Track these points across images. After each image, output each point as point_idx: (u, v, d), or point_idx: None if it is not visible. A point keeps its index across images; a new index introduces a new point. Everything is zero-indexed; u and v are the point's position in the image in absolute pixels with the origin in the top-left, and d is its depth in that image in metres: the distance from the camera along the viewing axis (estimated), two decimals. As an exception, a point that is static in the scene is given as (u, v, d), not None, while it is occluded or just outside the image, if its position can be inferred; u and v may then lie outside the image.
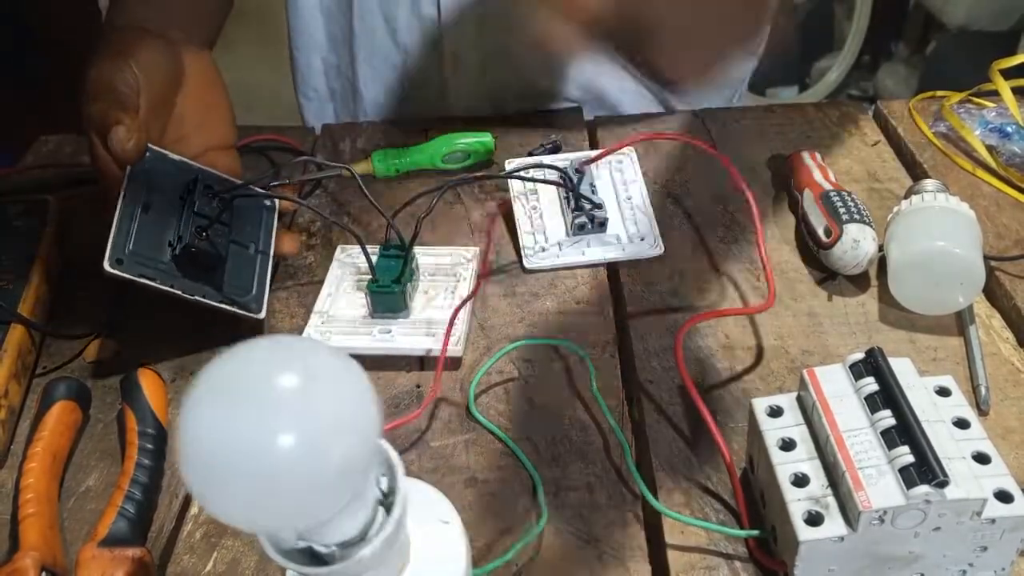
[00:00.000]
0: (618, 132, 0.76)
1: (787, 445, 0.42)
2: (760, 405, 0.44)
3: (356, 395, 0.29)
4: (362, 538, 0.32)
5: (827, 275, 0.60)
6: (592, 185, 0.65)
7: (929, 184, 0.60)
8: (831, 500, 0.40)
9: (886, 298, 0.58)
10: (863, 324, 0.57)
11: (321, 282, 0.61)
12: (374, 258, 0.58)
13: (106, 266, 0.48)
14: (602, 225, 0.63)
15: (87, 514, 0.48)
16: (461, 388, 0.54)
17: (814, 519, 0.39)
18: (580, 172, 0.64)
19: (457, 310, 0.55)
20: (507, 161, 0.69)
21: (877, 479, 0.38)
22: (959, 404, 0.42)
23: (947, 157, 0.71)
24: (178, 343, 0.58)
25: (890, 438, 0.39)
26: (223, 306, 0.53)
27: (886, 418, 0.40)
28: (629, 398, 0.53)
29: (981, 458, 0.40)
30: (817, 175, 0.64)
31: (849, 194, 0.61)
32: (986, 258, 0.57)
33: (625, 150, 0.69)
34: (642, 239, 0.63)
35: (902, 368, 0.42)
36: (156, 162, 0.54)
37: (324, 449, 0.27)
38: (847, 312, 0.58)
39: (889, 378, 0.41)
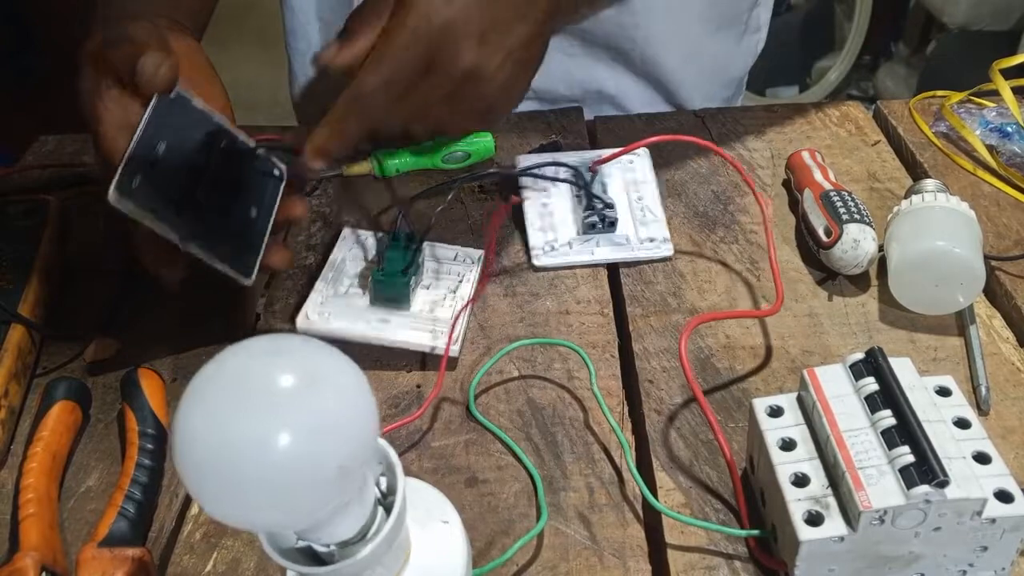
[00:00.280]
0: (618, 132, 0.76)
1: (787, 445, 0.42)
2: (760, 405, 0.44)
3: (353, 394, 0.29)
4: (361, 538, 0.32)
5: (827, 275, 0.60)
6: (603, 185, 0.65)
7: (929, 184, 0.60)
8: (831, 500, 0.40)
9: (886, 298, 0.58)
10: (863, 324, 0.57)
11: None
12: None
13: (110, 196, 0.46)
14: (612, 225, 0.63)
15: (87, 514, 0.48)
16: (461, 388, 0.54)
17: (814, 519, 0.39)
18: (592, 172, 0.64)
19: (462, 309, 0.55)
20: (519, 157, 0.69)
21: (877, 479, 0.38)
22: (959, 404, 0.42)
23: (947, 157, 0.71)
24: (178, 343, 0.58)
25: (890, 438, 0.39)
26: (215, 263, 0.52)
27: (886, 418, 0.40)
28: (629, 398, 0.53)
29: (981, 458, 0.40)
30: (817, 175, 0.64)
31: (849, 194, 0.61)
32: (986, 258, 0.57)
33: (638, 151, 0.69)
34: (652, 240, 0.63)
35: (902, 368, 0.42)
36: (179, 105, 0.53)
37: (321, 448, 0.27)
38: (847, 312, 0.58)
39: (889, 378, 0.41)
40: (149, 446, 0.49)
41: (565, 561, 0.44)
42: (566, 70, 0.83)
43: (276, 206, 0.58)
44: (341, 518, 0.31)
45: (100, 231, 0.66)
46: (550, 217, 0.65)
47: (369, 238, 0.62)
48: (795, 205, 0.66)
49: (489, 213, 0.67)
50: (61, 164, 0.76)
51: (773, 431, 0.43)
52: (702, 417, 0.51)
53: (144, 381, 0.52)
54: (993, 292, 0.59)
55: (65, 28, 0.56)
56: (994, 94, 0.73)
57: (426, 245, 0.60)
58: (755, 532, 0.43)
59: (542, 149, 0.73)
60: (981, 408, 0.50)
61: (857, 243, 0.57)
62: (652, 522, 0.46)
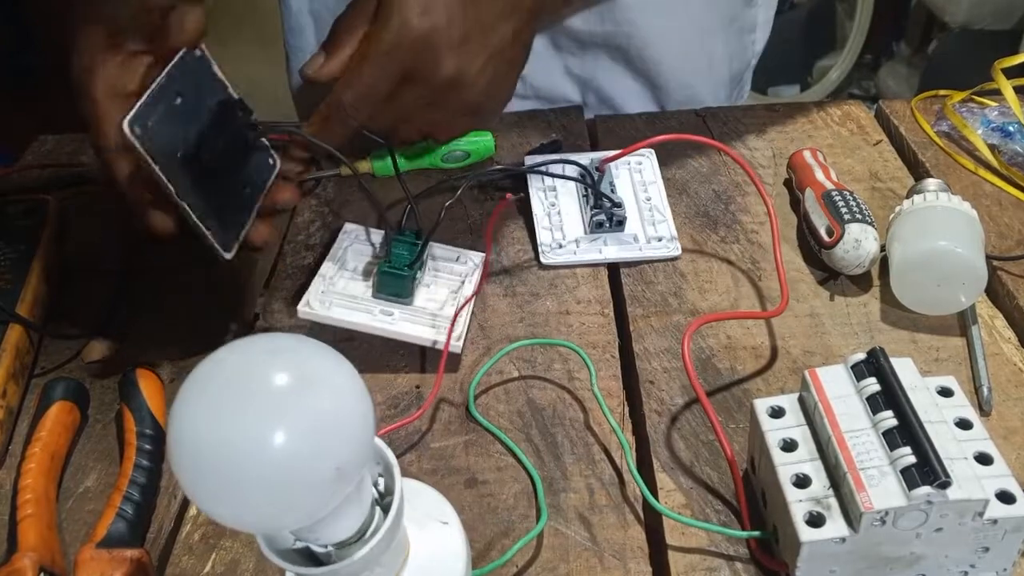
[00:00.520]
0: (618, 132, 0.76)
1: (789, 446, 0.42)
2: (762, 406, 0.44)
3: (350, 394, 0.28)
4: (359, 539, 0.32)
5: (829, 275, 0.60)
6: (612, 184, 0.65)
7: (931, 184, 0.60)
8: (833, 501, 0.39)
9: (888, 298, 0.57)
10: (865, 324, 0.56)
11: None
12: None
13: (125, 124, 0.47)
14: (620, 224, 0.63)
15: (85, 515, 0.48)
16: (461, 388, 0.54)
17: (816, 520, 0.39)
18: (600, 171, 0.64)
19: (464, 304, 0.56)
20: (527, 157, 0.69)
21: (879, 480, 0.38)
22: (961, 405, 0.42)
23: (949, 156, 0.70)
24: (176, 344, 0.58)
25: (892, 439, 0.39)
26: (200, 228, 0.52)
27: (888, 419, 0.40)
28: (629, 399, 0.53)
29: (983, 459, 0.39)
30: (819, 174, 0.64)
31: (851, 193, 0.60)
32: (988, 258, 0.57)
33: (644, 151, 0.69)
34: (659, 240, 0.63)
35: (904, 368, 0.42)
36: (201, 66, 0.53)
37: (318, 449, 0.27)
38: (849, 312, 0.57)
39: (891, 378, 0.41)
40: (147, 447, 0.49)
41: (565, 562, 0.44)
42: (565, 69, 0.83)
43: (265, 191, 0.58)
44: (339, 519, 0.31)
45: (99, 230, 0.66)
46: (558, 216, 0.65)
47: (371, 234, 0.62)
48: (796, 204, 0.66)
49: (488, 213, 0.67)
50: (60, 164, 0.76)
51: (774, 432, 0.43)
52: (703, 418, 0.51)
53: (142, 381, 0.51)
54: (995, 292, 0.59)
55: (65, 28, 0.56)
56: (996, 93, 0.73)
57: (429, 246, 0.60)
58: (756, 533, 0.43)
59: (542, 149, 0.73)
60: (983, 409, 0.50)
61: (859, 243, 0.57)
62: (653, 523, 0.46)
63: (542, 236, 0.64)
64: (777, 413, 0.44)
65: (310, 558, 0.32)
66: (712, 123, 0.76)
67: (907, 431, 0.39)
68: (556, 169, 0.65)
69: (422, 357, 0.56)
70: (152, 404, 0.51)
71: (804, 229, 0.62)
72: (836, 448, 0.40)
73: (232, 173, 0.54)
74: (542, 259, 0.62)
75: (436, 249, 0.61)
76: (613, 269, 0.62)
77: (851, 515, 0.38)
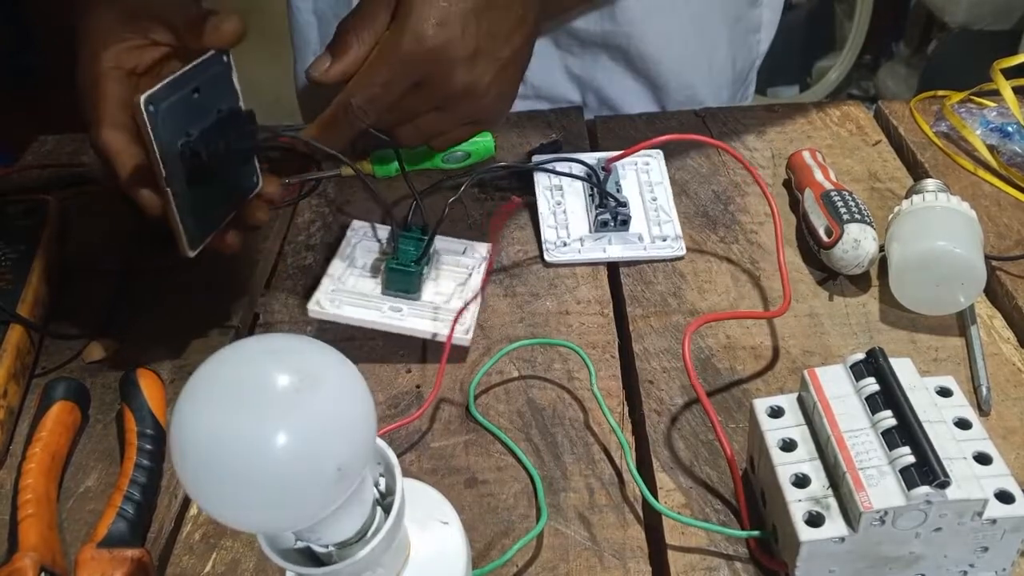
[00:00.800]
0: (618, 132, 0.76)
1: (788, 446, 0.42)
2: (761, 405, 0.44)
3: (352, 395, 0.29)
4: (360, 538, 0.32)
5: (828, 275, 0.60)
6: (617, 184, 0.65)
7: (930, 184, 0.60)
8: (832, 501, 0.39)
9: (887, 298, 0.58)
10: (864, 324, 0.56)
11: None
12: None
13: (142, 99, 0.47)
14: (624, 223, 0.63)
15: (86, 515, 0.48)
16: (461, 388, 0.54)
17: (815, 520, 0.39)
18: (606, 170, 0.65)
19: (473, 298, 0.56)
20: (534, 157, 0.69)
21: (878, 480, 0.38)
22: (960, 404, 0.42)
23: (948, 157, 0.71)
24: (177, 343, 0.58)
25: (891, 438, 0.39)
26: (174, 216, 0.52)
27: (887, 418, 0.40)
28: (629, 399, 0.53)
29: (982, 458, 0.40)
30: (818, 174, 0.64)
31: (850, 194, 0.61)
32: (987, 258, 0.57)
33: (653, 152, 0.69)
34: (664, 239, 0.63)
35: (903, 368, 0.42)
36: (223, 71, 0.54)
37: (320, 449, 0.27)
38: (848, 312, 0.57)
39: (890, 378, 0.41)
40: (148, 446, 0.49)
41: (565, 562, 0.44)
42: (565, 69, 0.83)
43: (242, 204, 0.58)
44: (340, 519, 0.31)
45: (100, 231, 0.66)
46: (563, 214, 0.65)
47: (378, 231, 0.62)
48: (796, 205, 0.66)
49: (489, 213, 0.67)
50: (60, 164, 0.76)
51: (774, 432, 0.43)
52: (702, 417, 0.51)
53: (143, 381, 0.51)
54: (994, 292, 0.59)
55: (65, 28, 0.56)
56: (995, 94, 0.73)
57: (436, 238, 0.60)
58: (756, 533, 0.43)
59: (542, 149, 0.73)
60: (982, 408, 0.50)
61: (858, 243, 0.57)
62: (652, 523, 0.46)
63: (547, 234, 0.64)
64: (776, 413, 0.44)
65: (311, 558, 0.32)
66: (711, 123, 0.76)
67: (906, 431, 0.39)
68: (562, 168, 0.65)
69: (423, 355, 0.56)
70: (153, 404, 0.51)
71: (803, 229, 0.62)
72: (835, 448, 0.40)
73: (220, 178, 0.55)
74: (546, 257, 0.62)
75: (442, 242, 0.61)
76: (613, 269, 0.62)
77: (850, 515, 0.38)
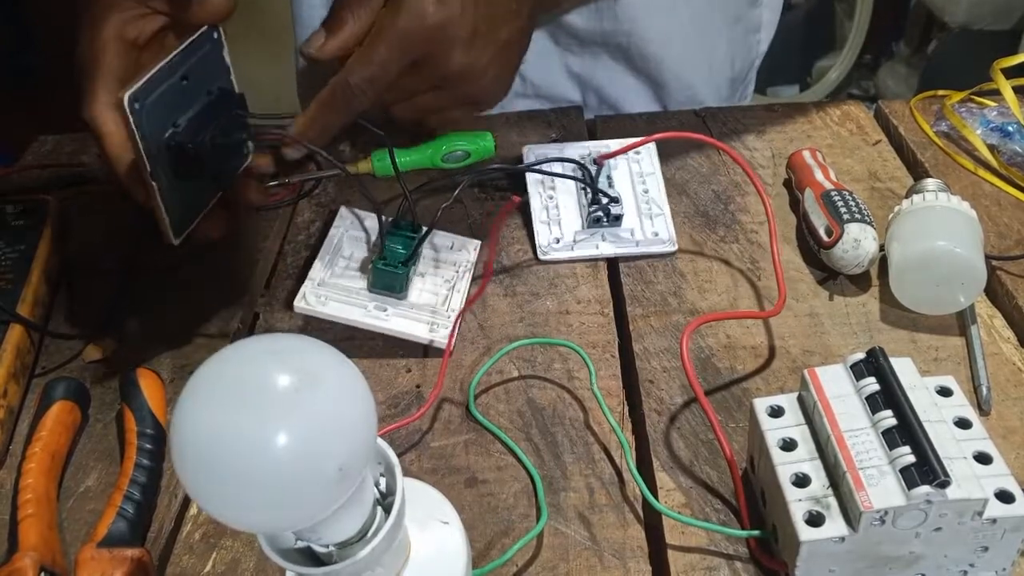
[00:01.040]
0: (618, 131, 0.75)
1: (788, 445, 0.42)
2: (761, 405, 0.44)
3: (353, 395, 0.28)
4: (361, 538, 0.32)
5: (828, 275, 0.60)
6: (609, 178, 0.65)
7: (930, 183, 0.60)
8: (832, 500, 0.39)
9: (887, 298, 0.58)
10: (864, 324, 0.56)
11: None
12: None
13: (125, 97, 0.47)
14: (617, 219, 0.63)
15: (86, 514, 0.48)
16: (461, 388, 0.54)
17: (815, 519, 0.39)
18: (598, 164, 0.64)
19: (467, 307, 0.56)
20: (525, 148, 0.69)
21: (878, 479, 0.38)
22: (960, 404, 0.42)
23: (948, 156, 0.70)
24: (177, 343, 0.58)
25: (891, 438, 0.39)
26: (158, 207, 0.52)
27: (887, 418, 0.40)
28: (629, 398, 0.53)
29: (982, 458, 0.40)
30: (818, 174, 0.64)
31: (850, 193, 0.61)
32: (987, 258, 0.57)
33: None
34: (656, 235, 0.63)
35: (903, 368, 0.42)
36: (214, 47, 0.53)
37: (321, 449, 0.27)
38: (848, 312, 0.57)
39: (890, 378, 0.41)
40: (148, 446, 0.49)
41: (565, 562, 0.44)
42: (566, 68, 0.83)
43: (230, 182, 0.58)
44: (341, 519, 0.31)
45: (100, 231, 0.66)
46: (556, 210, 0.65)
47: (367, 218, 0.62)
48: (796, 205, 0.66)
49: (490, 213, 0.67)
50: (60, 164, 0.76)
51: (774, 431, 0.43)
52: (702, 417, 0.51)
53: (143, 381, 0.51)
54: (994, 292, 0.59)
55: (65, 28, 0.56)
56: (995, 93, 0.73)
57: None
58: (756, 532, 0.43)
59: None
60: (982, 408, 0.50)
61: (858, 243, 0.57)
62: (652, 522, 0.46)
63: (539, 231, 0.64)
64: (776, 412, 0.44)
65: (311, 558, 0.32)
66: (711, 123, 0.76)
67: (906, 430, 0.39)
68: (554, 168, 0.65)
69: (423, 355, 0.56)
70: (153, 404, 0.51)
71: (803, 229, 0.62)
72: (835, 447, 0.40)
73: (209, 160, 0.54)
74: (539, 254, 0.62)
75: (432, 236, 0.61)
76: (613, 269, 0.62)
77: (850, 514, 0.38)
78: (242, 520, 0.28)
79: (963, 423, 0.41)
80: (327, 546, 0.32)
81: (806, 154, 0.67)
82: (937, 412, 0.40)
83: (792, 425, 0.43)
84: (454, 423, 0.52)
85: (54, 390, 0.51)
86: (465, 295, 0.59)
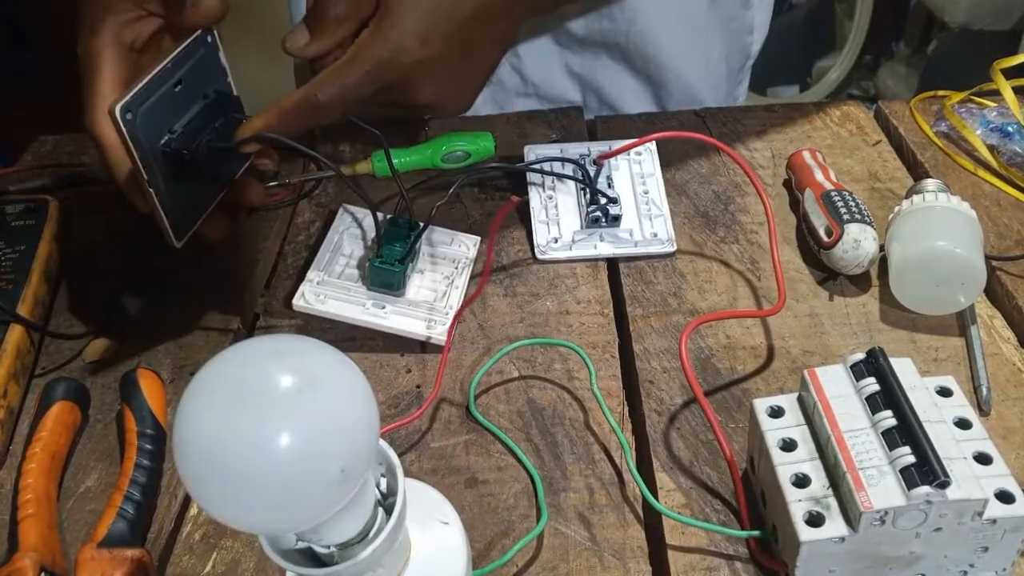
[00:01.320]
0: (618, 132, 0.76)
1: (788, 445, 0.42)
2: (761, 405, 0.44)
3: (354, 395, 0.28)
4: (362, 539, 0.32)
5: (828, 275, 0.60)
6: (609, 178, 0.65)
7: (930, 184, 0.60)
8: (832, 501, 0.39)
9: (887, 298, 0.58)
10: (864, 324, 0.57)
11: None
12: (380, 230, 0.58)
13: (117, 109, 0.47)
14: (616, 219, 0.63)
15: (86, 515, 0.48)
16: (461, 388, 0.54)
17: (815, 520, 0.39)
18: (598, 164, 0.65)
19: (466, 305, 0.56)
20: (526, 148, 0.69)
21: (878, 480, 0.38)
22: (960, 404, 0.42)
23: (948, 157, 0.71)
24: (177, 343, 0.58)
25: (891, 438, 0.39)
26: (158, 213, 0.52)
27: (887, 418, 0.40)
28: (629, 398, 0.53)
29: (982, 458, 0.40)
30: (818, 175, 0.64)
31: (850, 194, 0.61)
32: (987, 258, 0.57)
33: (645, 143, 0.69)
34: (655, 235, 0.63)
35: (903, 368, 0.42)
36: (209, 50, 0.53)
37: (322, 450, 0.27)
38: (848, 312, 0.57)
39: (890, 378, 0.41)
40: (148, 446, 0.49)
41: (565, 562, 0.44)
42: (565, 67, 0.83)
43: (230, 182, 0.58)
44: (342, 519, 0.31)
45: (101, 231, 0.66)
46: (555, 210, 0.65)
47: (367, 217, 0.62)
48: (796, 205, 0.66)
49: (490, 213, 0.67)
50: (60, 164, 0.76)
51: (774, 431, 0.43)
52: (702, 417, 0.51)
53: (143, 381, 0.51)
54: (994, 292, 0.59)
55: (65, 28, 0.56)
56: (995, 94, 0.73)
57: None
58: (756, 533, 0.43)
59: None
60: (982, 408, 0.50)
61: (858, 243, 0.57)
62: (652, 523, 0.46)
63: (538, 231, 0.64)
64: (776, 413, 0.44)
65: (312, 558, 0.32)
66: (711, 123, 0.76)
67: (906, 431, 0.39)
68: (553, 168, 0.65)
69: (423, 356, 0.56)
70: (153, 404, 0.51)
71: (803, 229, 0.62)
72: (835, 448, 0.40)
73: (207, 164, 0.54)
74: (537, 254, 0.62)
75: (430, 233, 0.61)
76: (613, 269, 0.62)
77: (850, 515, 0.38)
78: (244, 521, 0.28)
79: (963, 423, 0.41)
80: (328, 547, 0.32)
81: (806, 154, 0.67)
82: (937, 412, 0.40)
83: (792, 425, 0.43)
84: (454, 423, 0.52)
85: (54, 390, 0.51)
86: (464, 291, 0.59)
